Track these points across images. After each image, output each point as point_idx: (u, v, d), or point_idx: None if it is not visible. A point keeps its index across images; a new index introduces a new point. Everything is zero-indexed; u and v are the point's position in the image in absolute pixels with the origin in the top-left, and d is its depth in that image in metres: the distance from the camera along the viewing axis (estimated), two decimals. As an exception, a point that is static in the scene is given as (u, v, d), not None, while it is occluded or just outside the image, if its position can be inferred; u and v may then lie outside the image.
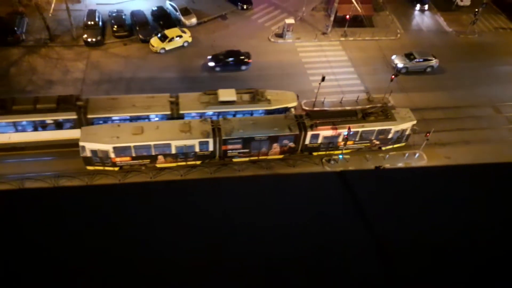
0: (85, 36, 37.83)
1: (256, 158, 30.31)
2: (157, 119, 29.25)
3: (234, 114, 30.26)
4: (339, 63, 39.67)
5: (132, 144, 26.99)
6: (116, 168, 28.50)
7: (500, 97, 37.22)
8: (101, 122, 28.25)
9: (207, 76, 36.65)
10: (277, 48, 41.03)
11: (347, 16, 41.90)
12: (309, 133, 29.53)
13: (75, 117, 28.03)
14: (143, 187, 2.90)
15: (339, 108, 33.96)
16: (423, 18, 48.24)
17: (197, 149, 28.53)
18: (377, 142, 31.75)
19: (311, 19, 44.75)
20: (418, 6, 48.79)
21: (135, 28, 39.67)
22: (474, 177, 2.82)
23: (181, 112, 29.22)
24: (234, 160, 30.26)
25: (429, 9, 48.88)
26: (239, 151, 29.52)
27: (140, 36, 39.05)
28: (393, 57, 39.83)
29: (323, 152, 31.27)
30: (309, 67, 38.85)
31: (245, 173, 29.55)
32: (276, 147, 29.96)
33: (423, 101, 35.76)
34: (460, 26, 46.50)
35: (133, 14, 41.10)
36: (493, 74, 40.27)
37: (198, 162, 29.73)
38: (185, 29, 40.09)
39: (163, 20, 40.72)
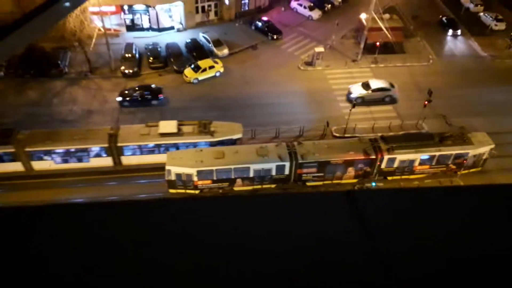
0: (122, 67, 39.71)
1: (330, 182, 30.56)
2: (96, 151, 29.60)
3: (177, 147, 30.09)
4: (369, 89, 39.44)
5: (214, 168, 28.09)
6: (197, 191, 29.38)
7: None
8: (41, 155, 29.09)
9: (236, 104, 37.21)
10: (307, 76, 41.42)
11: (377, 43, 41.96)
12: (386, 157, 29.53)
13: (13, 150, 28.62)
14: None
15: (414, 132, 33.25)
16: (456, 44, 47.59)
17: (273, 172, 29.27)
18: (453, 167, 31.25)
19: (341, 47, 45.10)
20: (450, 32, 48.26)
21: (169, 60, 41.29)
22: (487, 199, 2.74)
23: (119, 144, 29.56)
24: (308, 184, 30.50)
25: (462, 34, 48.21)
26: (313, 174, 29.95)
27: (175, 67, 40.56)
28: (350, 86, 38.41)
29: (398, 177, 31.07)
30: (339, 94, 38.84)
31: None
32: (351, 171, 30.19)
33: (459, 125, 34.69)
34: (496, 51, 45.47)
35: (168, 46, 42.90)
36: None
37: (273, 186, 30.22)
38: (217, 60, 41.33)
39: (196, 51, 42.23)
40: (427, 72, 41.92)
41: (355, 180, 30.74)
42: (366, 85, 37.71)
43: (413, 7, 50.72)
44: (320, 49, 42.51)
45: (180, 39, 44.57)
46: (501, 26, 48.48)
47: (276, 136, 34.02)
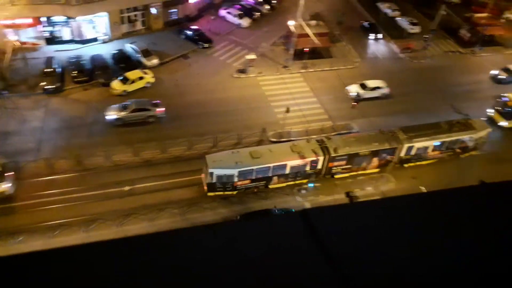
0: (43, 83, 37.01)
1: (355, 173, 32.40)
2: None
3: None
4: (301, 94, 40.50)
5: (255, 167, 28.93)
6: (235, 192, 29.97)
7: (456, 116, 38.77)
8: None
9: (170, 115, 36.29)
10: (241, 83, 41.56)
11: (306, 49, 43.27)
12: (406, 145, 32.04)
13: None
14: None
15: (425, 123, 34.61)
16: (378, 47, 50.50)
17: (308, 168, 30.41)
18: (459, 151, 34.56)
19: (271, 54, 45.89)
20: (372, 36, 51.15)
21: (95, 73, 39.26)
22: (438, 205, 2.71)
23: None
24: (336, 176, 32.03)
25: (382, 37, 51.31)
26: (343, 167, 31.60)
27: (101, 80, 38.63)
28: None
29: (413, 163, 33.68)
30: (273, 100, 39.41)
31: (214, 213, 28.94)
32: (375, 161, 32.24)
33: (385, 125, 36.61)
34: (413, 52, 48.91)
35: (93, 58, 40.83)
36: (449, 94, 42.15)
37: (305, 181, 31.27)
38: (146, 71, 40.07)
39: (124, 62, 40.62)
40: (353, 75, 43.97)
41: (377, 170, 32.86)
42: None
43: (337, 13, 53.13)
44: (252, 56, 42.92)
45: (106, 50, 42.66)
46: (416, 29, 52.37)
47: (214, 145, 33.63)
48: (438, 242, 2.46)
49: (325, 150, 30.42)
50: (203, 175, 29.73)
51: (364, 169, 32.51)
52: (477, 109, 39.49)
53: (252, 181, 29.82)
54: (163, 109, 35.53)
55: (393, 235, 2.50)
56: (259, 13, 52.56)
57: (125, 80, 37.96)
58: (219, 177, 28.72)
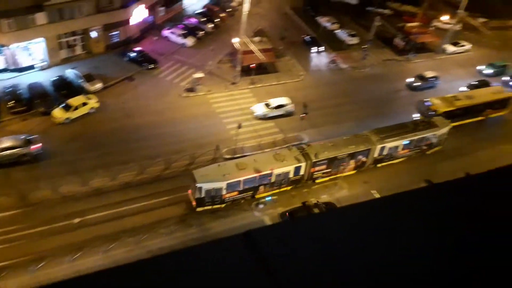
0: (-24, 116, 34.50)
1: (335, 176, 33.53)
2: None
3: None
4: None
5: (242, 178, 29.15)
6: (223, 205, 30.07)
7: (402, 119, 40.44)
8: None
9: (119, 139, 35.13)
10: (190, 102, 41.22)
11: (252, 65, 43.90)
12: (379, 146, 33.82)
13: None
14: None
15: (393, 124, 36.26)
16: (320, 59, 52.30)
17: (291, 174, 31.20)
18: (425, 148, 36.97)
19: (219, 71, 46.05)
20: (314, 49, 52.95)
21: (34, 102, 37.22)
22: (386, 212, 2.70)
23: None
24: (317, 181, 33.14)
25: (324, 50, 53.26)
26: (323, 171, 32.72)
27: (41, 109, 36.68)
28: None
29: (386, 163, 35.54)
30: (224, 117, 39.40)
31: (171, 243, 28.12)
32: (352, 163, 33.67)
33: (334, 134, 37.66)
34: (353, 62, 51.18)
35: (30, 87, 38.73)
36: (390, 99, 44.38)
37: (289, 188, 32.05)
38: (90, 96, 38.65)
39: (65, 89, 38.92)
40: (300, 87, 45.15)
41: (354, 172, 34.20)
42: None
43: (280, 29, 54.54)
44: (199, 75, 42.82)
45: (45, 77, 40.68)
46: (355, 40, 54.98)
47: (167, 168, 32.89)
48: (383, 252, 2.46)
49: (306, 156, 31.40)
50: (190, 191, 29.51)
51: (342, 171, 33.78)
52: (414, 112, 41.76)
53: (240, 192, 30.09)
54: (39, 145, 32.00)
55: (336, 248, 2.46)
56: (203, 32, 52.75)
57: (67, 107, 36.31)
58: (208, 191, 28.68)
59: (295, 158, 31.10)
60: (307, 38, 54.51)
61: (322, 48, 53.11)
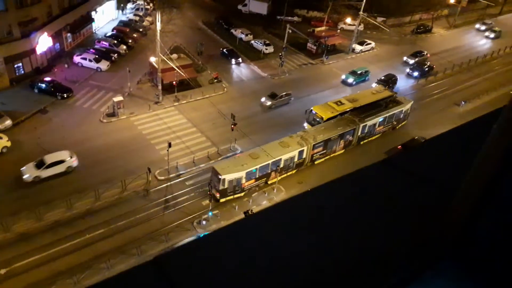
0: None
1: (329, 156, 37.53)
2: None
3: None
4: (180, 126, 40.16)
5: (258, 166, 32.13)
6: (242, 194, 32.76)
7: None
8: None
9: (39, 182, 32.39)
10: (113, 127, 39.36)
11: (174, 82, 43.28)
12: (361, 125, 38.23)
13: None
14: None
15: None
16: (241, 70, 53.20)
17: (296, 158, 34.62)
18: (395, 123, 41.85)
19: (139, 92, 44.67)
20: (233, 61, 53.73)
21: None
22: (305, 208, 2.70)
23: None
24: (316, 162, 36.70)
25: (242, 61, 54.28)
26: (320, 153, 36.43)
27: None
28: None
29: (367, 140, 40.23)
30: (152, 138, 38.22)
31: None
32: (342, 143, 37.90)
33: (262, 140, 38.28)
34: (272, 70, 52.80)
35: None
36: (310, 101, 46.39)
37: (294, 171, 35.44)
38: (0, 135, 35.23)
39: (-32, 131, 35.07)
40: (225, 99, 45.42)
41: (343, 151, 38.39)
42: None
43: (195, 44, 54.47)
44: (118, 98, 41.15)
45: None
46: (270, 49, 56.82)
47: (97, 199, 30.95)
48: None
49: (306, 140, 34.95)
50: (211, 190, 31.24)
51: (334, 151, 37.85)
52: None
53: (256, 179, 32.96)
54: None
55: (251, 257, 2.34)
56: (116, 54, 50.95)
57: (-27, 150, 32.69)
58: (230, 182, 31.29)
59: (298, 143, 34.55)
60: (224, 50, 55.18)
61: (240, 60, 54.08)
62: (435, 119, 44.39)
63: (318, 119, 39.12)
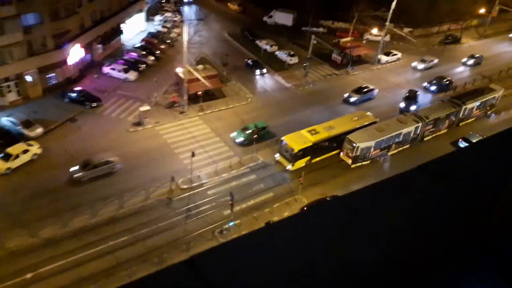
0: None
1: (436, 134, 42.13)
2: None
3: None
4: (204, 136, 40.60)
5: (384, 137, 37.10)
6: (368, 162, 37.63)
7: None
8: None
9: (68, 184, 33.34)
10: (139, 136, 40.19)
11: (199, 93, 43.92)
12: (463, 107, 42.90)
13: None
14: None
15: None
16: (265, 81, 53.47)
17: (412, 133, 39.42)
18: (488, 108, 46.55)
19: (166, 102, 45.48)
20: (257, 72, 54.09)
21: (-32, 155, 34.57)
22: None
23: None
24: (426, 139, 41.45)
25: (267, 72, 54.57)
26: (429, 130, 41.19)
27: (-23, 162, 34.09)
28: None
29: (468, 121, 45.01)
30: (176, 147, 38.76)
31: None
32: (447, 122, 42.57)
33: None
34: (297, 81, 52.80)
35: (-38, 139, 36.03)
36: (334, 112, 45.98)
37: (408, 146, 40.10)
38: (31, 142, 36.57)
39: (2, 138, 36.54)
40: (249, 110, 45.67)
41: (446, 130, 42.92)
42: None
43: (221, 55, 55.29)
44: (145, 107, 42.05)
45: (-22, 128, 38.05)
46: (295, 60, 56.91)
47: (121, 207, 31.53)
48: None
49: (420, 118, 39.47)
50: (342, 154, 37.43)
51: (440, 130, 42.39)
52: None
53: (381, 149, 37.67)
54: None
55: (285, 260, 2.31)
56: (144, 65, 52.24)
57: (7, 157, 34.03)
58: (362, 150, 36.24)
59: (413, 120, 39.24)
60: (249, 61, 55.65)
61: (264, 70, 54.39)
62: (464, 131, 43.10)
63: (289, 150, 35.87)
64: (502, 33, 70.99)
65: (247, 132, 39.54)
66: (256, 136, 38.87)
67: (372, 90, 49.01)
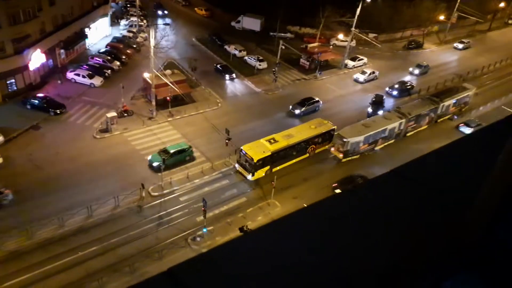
0: None
1: (417, 130, 44.34)
2: None
3: None
4: (173, 141, 39.90)
5: (372, 132, 39.12)
6: (358, 156, 39.43)
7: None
8: None
9: (31, 193, 31.86)
10: (106, 143, 39.09)
11: (168, 98, 43.26)
12: (441, 104, 45.19)
13: None
14: None
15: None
16: (235, 86, 53.40)
17: (397, 129, 41.41)
18: (463, 105, 49.16)
19: (133, 108, 44.47)
20: (227, 76, 53.97)
21: None
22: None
23: None
24: (408, 134, 43.57)
25: (236, 76, 54.56)
26: (411, 126, 43.17)
27: None
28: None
29: (447, 117, 47.77)
30: (146, 153, 37.91)
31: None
32: (426, 119, 44.76)
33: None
34: (266, 85, 53.05)
35: None
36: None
37: (392, 141, 42.08)
38: (-10, 151, 34.79)
39: (-42, 147, 34.61)
40: (219, 115, 45.43)
41: (426, 127, 45.23)
42: None
43: (189, 60, 54.75)
44: (112, 114, 40.95)
45: None
46: (264, 65, 57.21)
47: (90, 215, 30.47)
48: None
49: (403, 114, 41.63)
50: (332, 149, 39.38)
51: (420, 126, 44.56)
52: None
53: (369, 144, 39.68)
54: None
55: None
56: (110, 70, 50.96)
57: (-37, 167, 32.19)
58: (352, 144, 37.94)
59: (397, 116, 41.47)
60: (218, 66, 55.46)
61: (233, 75, 54.35)
62: (429, 133, 44.70)
63: (248, 160, 35.02)
64: (460, 39, 74.38)
65: (165, 155, 35.80)
66: (166, 160, 34.98)
67: (317, 101, 48.17)
